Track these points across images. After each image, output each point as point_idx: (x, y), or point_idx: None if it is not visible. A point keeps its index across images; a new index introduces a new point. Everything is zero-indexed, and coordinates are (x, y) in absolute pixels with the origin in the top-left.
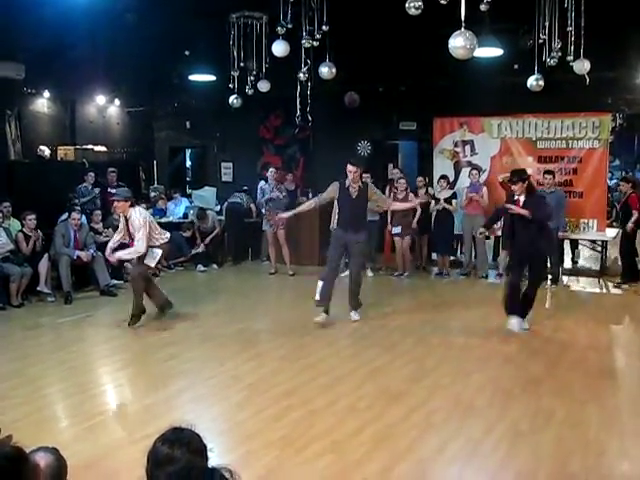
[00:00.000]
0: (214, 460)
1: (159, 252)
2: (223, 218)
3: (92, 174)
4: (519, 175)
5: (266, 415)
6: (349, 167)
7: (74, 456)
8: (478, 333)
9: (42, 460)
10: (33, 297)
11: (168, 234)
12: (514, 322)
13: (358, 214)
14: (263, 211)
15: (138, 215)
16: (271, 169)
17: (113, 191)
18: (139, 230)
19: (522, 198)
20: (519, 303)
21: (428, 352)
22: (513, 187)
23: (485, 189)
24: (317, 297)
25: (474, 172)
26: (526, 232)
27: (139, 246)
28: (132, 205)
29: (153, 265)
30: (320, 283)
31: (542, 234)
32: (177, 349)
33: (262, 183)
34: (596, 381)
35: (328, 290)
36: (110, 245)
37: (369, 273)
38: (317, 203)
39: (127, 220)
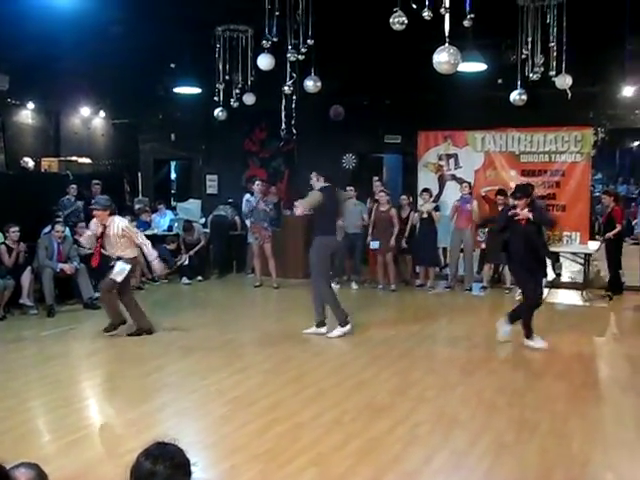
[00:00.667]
0: (198, 474)
1: (127, 267)
2: (208, 231)
3: (74, 186)
4: (523, 191)
5: (250, 429)
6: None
7: (57, 471)
8: (462, 345)
9: (23, 476)
10: (15, 310)
11: (138, 251)
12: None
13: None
14: (248, 224)
15: (117, 224)
16: (257, 182)
17: None
18: (121, 237)
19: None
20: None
21: (413, 365)
22: (517, 202)
23: (475, 202)
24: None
25: (464, 185)
26: (528, 245)
27: (148, 246)
28: (112, 214)
29: (119, 280)
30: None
31: (541, 243)
32: (161, 362)
33: (248, 196)
34: (580, 393)
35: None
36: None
37: (353, 286)
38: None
39: (105, 228)
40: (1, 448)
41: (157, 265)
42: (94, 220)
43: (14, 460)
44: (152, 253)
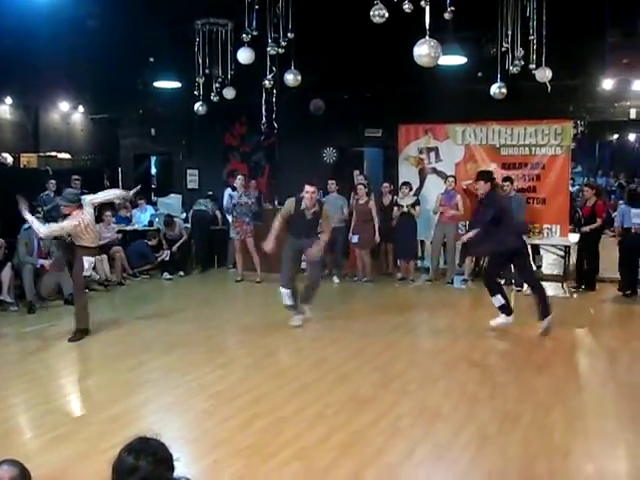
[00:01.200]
0: (181, 469)
1: (92, 260)
2: (189, 226)
3: (53, 182)
4: (483, 175)
5: (233, 423)
6: (307, 187)
7: (39, 468)
8: (444, 338)
9: (6, 473)
10: None
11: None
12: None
13: (311, 228)
14: (230, 219)
15: (77, 215)
16: (239, 176)
17: None
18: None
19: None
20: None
21: (395, 358)
22: (476, 186)
23: (459, 196)
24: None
25: (450, 179)
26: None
27: (42, 228)
28: (80, 207)
29: (88, 274)
30: (283, 290)
31: (501, 229)
32: (143, 358)
33: (229, 190)
34: (561, 384)
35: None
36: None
37: (335, 280)
38: (280, 221)
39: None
40: None
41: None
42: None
43: None
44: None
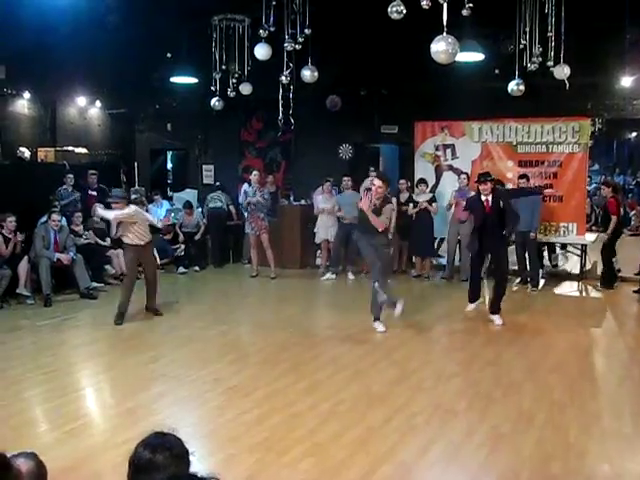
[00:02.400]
0: (195, 464)
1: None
2: (205, 221)
3: (71, 176)
4: (486, 176)
5: (247, 418)
6: (374, 181)
7: (54, 460)
8: (459, 336)
9: (23, 466)
10: (12, 300)
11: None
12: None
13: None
14: (246, 214)
15: (128, 210)
16: (254, 172)
17: (94, 193)
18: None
19: (490, 198)
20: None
21: (409, 355)
22: (482, 187)
23: (473, 194)
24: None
25: (462, 176)
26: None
27: (111, 215)
28: (128, 204)
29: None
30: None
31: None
32: (158, 352)
33: (245, 186)
34: (576, 384)
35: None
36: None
37: (350, 276)
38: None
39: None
40: None
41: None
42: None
43: (12, 450)
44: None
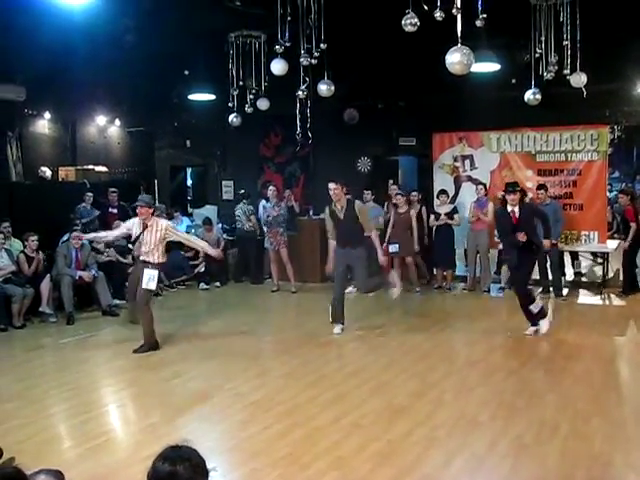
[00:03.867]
0: (218, 479)
1: (155, 273)
2: (226, 236)
3: (90, 194)
4: (514, 186)
5: (270, 433)
6: (329, 185)
7: (78, 477)
8: (481, 347)
9: None
10: (35, 318)
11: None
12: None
13: (351, 232)
14: (265, 230)
15: (162, 225)
16: (271, 187)
17: (114, 211)
18: (162, 240)
19: (516, 209)
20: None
21: (431, 367)
22: (510, 197)
23: (491, 204)
24: (330, 319)
25: (480, 187)
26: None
27: (199, 242)
28: (154, 214)
29: (153, 288)
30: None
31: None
32: (180, 367)
33: (263, 202)
34: (600, 393)
35: (340, 309)
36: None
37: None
38: (333, 233)
39: (146, 228)
40: (23, 455)
41: (212, 251)
42: (135, 219)
43: (35, 467)
44: (201, 244)
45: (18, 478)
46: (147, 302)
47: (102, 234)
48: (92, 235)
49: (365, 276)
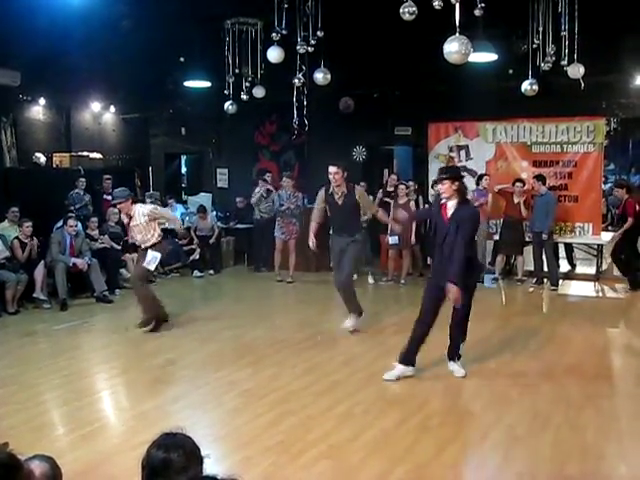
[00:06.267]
0: (210, 466)
1: (158, 255)
2: (218, 225)
3: (83, 180)
4: (450, 172)
5: (263, 421)
6: (329, 168)
7: (71, 463)
8: (473, 337)
9: (37, 468)
10: (29, 304)
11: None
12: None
13: (349, 219)
14: (277, 219)
15: (143, 209)
16: (285, 178)
17: (108, 198)
18: (150, 221)
19: (450, 204)
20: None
21: (424, 356)
22: (439, 186)
23: (490, 195)
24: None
25: (486, 178)
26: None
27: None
28: (134, 202)
29: (153, 269)
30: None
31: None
32: (173, 355)
33: (279, 191)
34: (593, 385)
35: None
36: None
37: (370, 280)
38: (316, 213)
39: (131, 218)
40: (16, 440)
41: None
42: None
43: (29, 453)
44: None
45: (12, 463)
46: (142, 279)
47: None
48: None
49: (350, 267)
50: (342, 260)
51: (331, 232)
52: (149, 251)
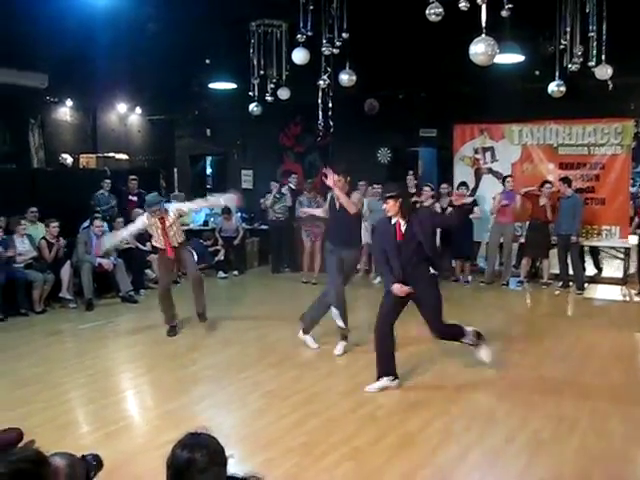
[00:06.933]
0: (233, 466)
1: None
2: (243, 226)
3: (108, 181)
4: (393, 190)
5: (286, 422)
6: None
7: None
8: (499, 341)
9: (62, 465)
10: (55, 303)
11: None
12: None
13: (345, 227)
14: (302, 224)
15: (172, 207)
16: (305, 192)
17: (134, 198)
18: (179, 215)
19: (402, 222)
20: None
21: (448, 360)
22: (384, 205)
23: (519, 197)
24: (341, 324)
25: (509, 179)
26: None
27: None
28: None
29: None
30: (334, 310)
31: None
32: (198, 355)
33: (301, 198)
34: (619, 390)
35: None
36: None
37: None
38: (326, 209)
39: (163, 221)
40: (41, 438)
41: (225, 200)
42: (142, 218)
43: (53, 450)
44: (214, 201)
45: (39, 460)
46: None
47: (119, 235)
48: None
49: (341, 282)
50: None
51: (326, 243)
52: (189, 250)
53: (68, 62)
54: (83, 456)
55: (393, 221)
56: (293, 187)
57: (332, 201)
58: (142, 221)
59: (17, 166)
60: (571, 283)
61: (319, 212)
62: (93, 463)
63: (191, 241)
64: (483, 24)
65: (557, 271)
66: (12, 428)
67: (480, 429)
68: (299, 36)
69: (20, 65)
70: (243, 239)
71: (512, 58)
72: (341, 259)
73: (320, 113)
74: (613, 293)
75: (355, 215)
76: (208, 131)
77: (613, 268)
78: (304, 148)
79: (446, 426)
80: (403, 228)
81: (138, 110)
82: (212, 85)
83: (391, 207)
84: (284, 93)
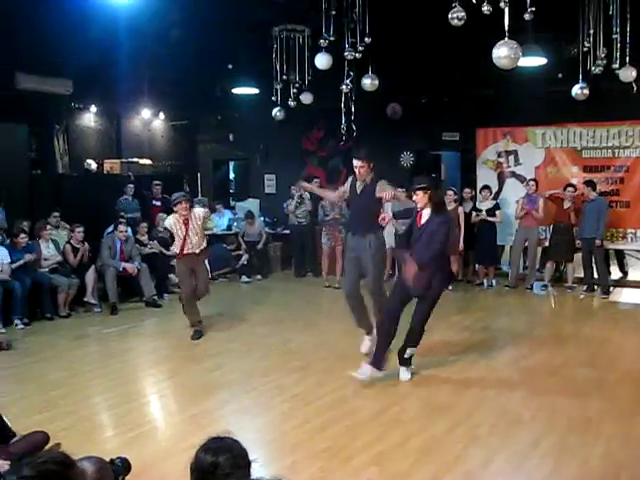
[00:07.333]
0: (258, 470)
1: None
2: (266, 230)
3: (131, 186)
4: (423, 182)
5: (310, 426)
6: (354, 162)
7: None
8: (524, 345)
9: (90, 468)
10: (80, 308)
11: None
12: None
13: (364, 214)
14: (323, 228)
15: (199, 212)
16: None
17: (157, 203)
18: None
19: (425, 212)
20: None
21: (472, 364)
22: (414, 197)
23: (542, 200)
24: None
25: (532, 183)
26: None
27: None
28: (191, 207)
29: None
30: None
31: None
32: (222, 360)
33: (323, 202)
34: None
35: (360, 312)
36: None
37: None
38: (334, 192)
39: (187, 223)
40: (67, 442)
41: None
42: (170, 220)
43: (79, 454)
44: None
45: (66, 463)
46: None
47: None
48: None
49: (376, 275)
50: (365, 272)
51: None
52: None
53: (92, 68)
54: (112, 460)
55: (419, 208)
56: (303, 194)
57: (352, 187)
58: (169, 223)
59: (42, 172)
60: (596, 287)
61: (326, 193)
62: (121, 466)
63: (212, 246)
64: (506, 27)
65: (582, 275)
66: (38, 431)
67: (505, 433)
68: (321, 41)
69: (45, 72)
70: (266, 243)
71: (535, 61)
72: (358, 258)
73: (343, 117)
74: (639, 297)
75: (371, 201)
76: (231, 136)
77: (638, 272)
78: (327, 152)
79: (471, 430)
80: (424, 219)
81: (161, 115)
82: (235, 90)
83: (420, 198)
84: (307, 98)
